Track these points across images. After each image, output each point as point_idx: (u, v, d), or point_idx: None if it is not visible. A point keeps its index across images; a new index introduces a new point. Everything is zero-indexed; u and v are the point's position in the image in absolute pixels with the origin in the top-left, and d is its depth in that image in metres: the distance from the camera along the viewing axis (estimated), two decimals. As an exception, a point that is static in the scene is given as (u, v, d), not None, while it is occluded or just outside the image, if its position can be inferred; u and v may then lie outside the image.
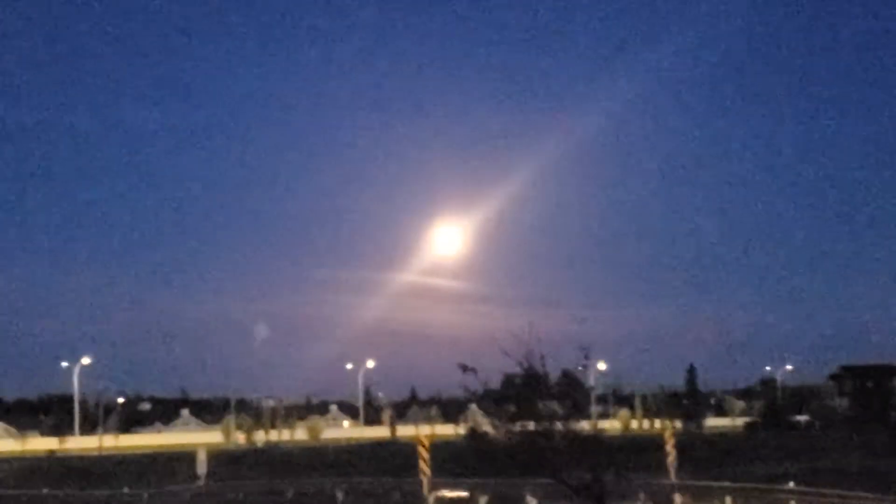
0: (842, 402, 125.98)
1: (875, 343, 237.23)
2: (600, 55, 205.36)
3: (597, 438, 25.18)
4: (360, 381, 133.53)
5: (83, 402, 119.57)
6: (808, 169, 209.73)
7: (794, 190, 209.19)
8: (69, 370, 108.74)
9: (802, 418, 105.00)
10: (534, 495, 30.57)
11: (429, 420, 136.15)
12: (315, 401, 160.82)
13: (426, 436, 36.60)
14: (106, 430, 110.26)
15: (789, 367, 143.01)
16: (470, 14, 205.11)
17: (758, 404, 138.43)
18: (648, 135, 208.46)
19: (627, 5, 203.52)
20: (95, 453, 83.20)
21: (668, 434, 36.09)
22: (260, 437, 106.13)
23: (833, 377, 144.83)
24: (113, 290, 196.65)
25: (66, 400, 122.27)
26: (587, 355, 24.30)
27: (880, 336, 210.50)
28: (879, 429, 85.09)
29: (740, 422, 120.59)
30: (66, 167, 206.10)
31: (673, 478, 35.31)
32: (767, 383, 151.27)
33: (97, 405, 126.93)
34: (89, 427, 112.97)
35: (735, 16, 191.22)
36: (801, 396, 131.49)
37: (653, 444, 43.42)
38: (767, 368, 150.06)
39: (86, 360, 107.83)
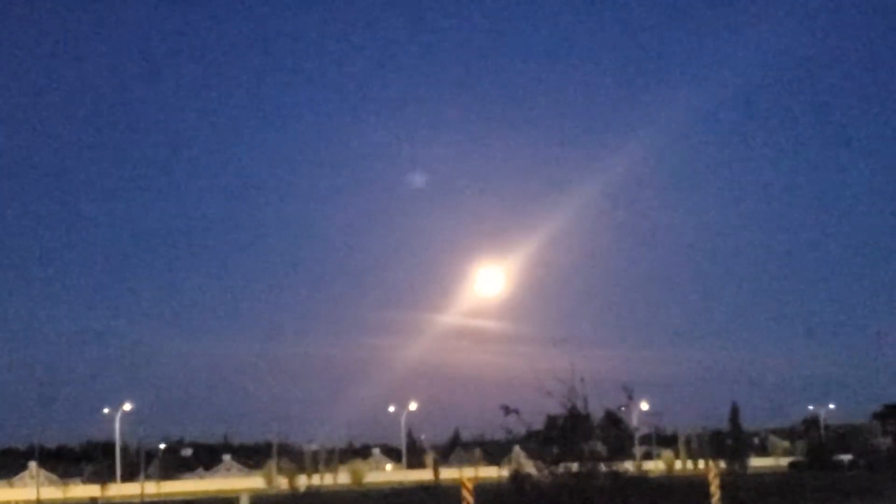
0: (885, 441, 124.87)
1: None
2: (639, 89, 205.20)
3: (641, 479, 25.20)
4: (403, 423, 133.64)
5: (125, 449, 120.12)
6: (851, 206, 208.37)
7: (838, 228, 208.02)
8: (111, 416, 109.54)
9: (846, 457, 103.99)
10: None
11: (472, 462, 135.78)
12: (357, 444, 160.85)
13: (469, 478, 36.51)
14: (147, 477, 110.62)
15: (832, 405, 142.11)
16: (514, 54, 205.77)
17: (801, 444, 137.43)
18: (690, 172, 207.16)
19: (662, 39, 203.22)
20: (137, 500, 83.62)
21: (712, 475, 35.88)
22: (302, 481, 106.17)
23: (877, 416, 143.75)
24: (154, 336, 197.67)
25: (108, 446, 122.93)
26: (630, 395, 24.40)
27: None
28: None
29: (784, 461, 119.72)
30: (110, 207, 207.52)
31: (718, 518, 35.11)
32: (811, 422, 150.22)
33: (139, 451, 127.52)
34: (131, 474, 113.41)
35: (772, 50, 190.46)
36: (845, 435, 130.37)
37: (697, 484, 43.21)
38: (810, 407, 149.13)
39: (127, 407, 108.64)
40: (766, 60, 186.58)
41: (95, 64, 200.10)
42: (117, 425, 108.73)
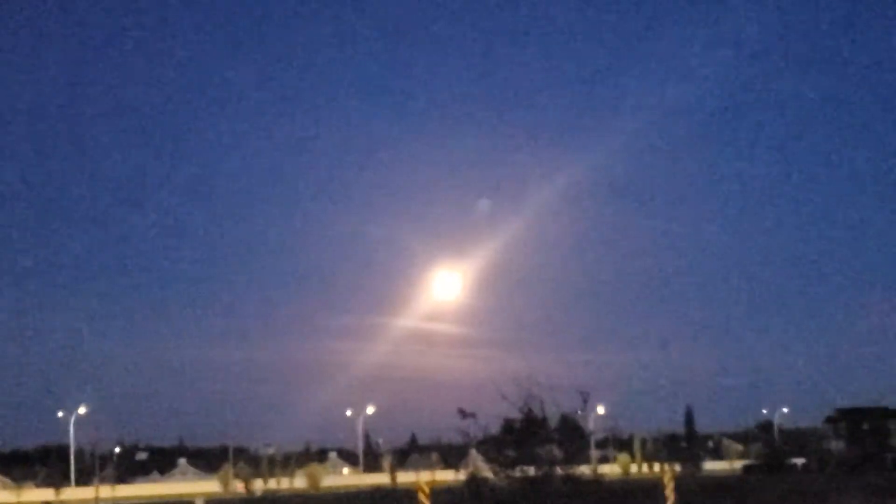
0: (838, 445, 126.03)
1: (871, 385, 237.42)
2: (597, 97, 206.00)
3: (596, 483, 25.44)
4: (360, 427, 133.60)
5: (79, 453, 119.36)
6: (803, 212, 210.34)
7: (791, 233, 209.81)
8: (65, 420, 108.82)
9: (799, 461, 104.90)
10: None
11: (429, 466, 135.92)
12: (314, 448, 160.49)
13: (426, 482, 36.68)
14: (102, 481, 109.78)
15: (786, 409, 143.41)
16: (470, 63, 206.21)
17: (755, 447, 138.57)
18: (646, 178, 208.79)
19: (618, 46, 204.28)
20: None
21: (667, 478, 36.22)
22: (259, 485, 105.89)
23: (829, 420, 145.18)
24: (108, 338, 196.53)
25: (62, 450, 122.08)
26: (586, 399, 24.64)
27: (876, 378, 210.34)
28: (875, 471, 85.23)
29: (738, 465, 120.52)
30: (57, 207, 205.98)
31: (672, 521, 35.42)
32: (764, 426, 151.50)
33: (93, 455, 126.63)
34: (85, 477, 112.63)
35: (732, 55, 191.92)
36: (798, 439, 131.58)
37: (652, 487, 43.57)
38: (764, 411, 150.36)
39: (82, 410, 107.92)
40: (716, 72, 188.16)
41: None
42: (72, 429, 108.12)
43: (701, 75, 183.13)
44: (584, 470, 25.27)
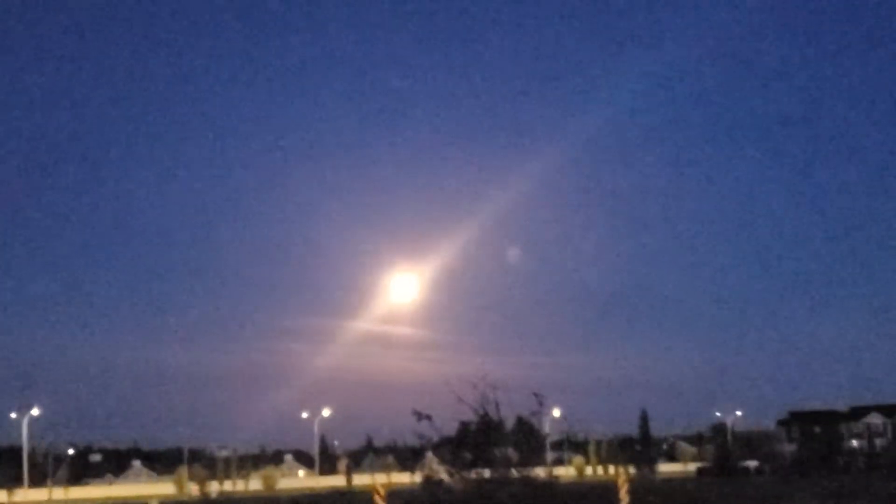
0: (790, 448, 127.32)
1: (824, 389, 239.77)
2: (553, 100, 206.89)
3: (551, 485, 25.63)
4: (316, 429, 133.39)
5: (32, 454, 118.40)
6: (756, 217, 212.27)
7: (745, 238, 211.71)
8: (18, 421, 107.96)
9: (752, 464, 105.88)
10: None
11: (385, 468, 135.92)
12: (270, 450, 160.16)
13: (382, 484, 36.77)
14: (56, 482, 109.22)
15: (739, 412, 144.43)
16: (421, 62, 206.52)
17: (708, 450, 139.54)
18: (598, 184, 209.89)
19: (579, 48, 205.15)
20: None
21: (621, 480, 36.52)
22: (214, 487, 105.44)
23: (782, 423, 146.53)
24: (62, 339, 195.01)
25: (15, 451, 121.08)
26: (541, 402, 24.82)
27: (829, 382, 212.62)
28: (827, 474, 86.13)
29: (692, 467, 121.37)
30: (13, 208, 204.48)
31: (626, 523, 35.71)
32: (718, 429, 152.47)
33: (47, 456, 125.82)
34: (39, 479, 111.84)
35: (700, 48, 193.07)
36: (751, 442, 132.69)
37: (606, 490, 43.87)
38: (718, 414, 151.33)
39: (35, 412, 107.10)
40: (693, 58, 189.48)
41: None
42: (25, 430, 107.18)
43: (651, 79, 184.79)
44: (539, 472, 25.42)
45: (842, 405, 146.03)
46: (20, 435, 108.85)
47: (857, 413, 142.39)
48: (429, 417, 24.15)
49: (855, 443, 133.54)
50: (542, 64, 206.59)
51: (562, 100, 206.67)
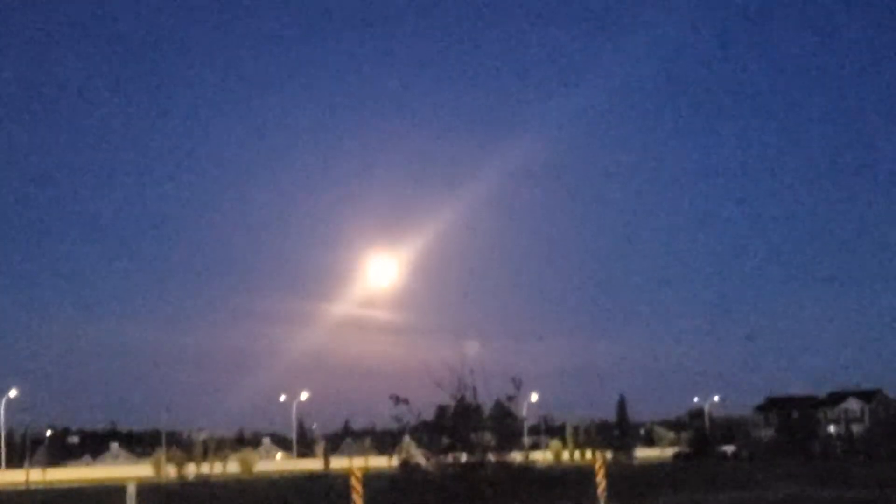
0: (768, 433, 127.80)
1: (801, 375, 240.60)
2: (531, 86, 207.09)
3: (528, 469, 25.55)
4: (294, 413, 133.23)
5: (10, 436, 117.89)
6: (734, 205, 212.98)
7: (719, 222, 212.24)
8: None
9: (730, 448, 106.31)
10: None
11: (362, 452, 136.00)
12: (247, 433, 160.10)
13: (359, 468, 36.68)
14: (33, 464, 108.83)
15: (717, 397, 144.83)
16: (405, 44, 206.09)
17: (686, 435, 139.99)
18: (578, 169, 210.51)
19: (559, 36, 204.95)
20: (22, 487, 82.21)
21: (598, 465, 36.49)
22: (191, 470, 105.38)
23: (759, 408, 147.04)
24: (40, 321, 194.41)
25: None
26: (518, 386, 24.71)
27: (806, 369, 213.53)
28: (804, 459, 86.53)
29: (670, 452, 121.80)
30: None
31: (603, 508, 35.69)
32: (696, 414, 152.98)
33: (24, 438, 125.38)
34: (16, 461, 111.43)
35: (673, 41, 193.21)
36: (729, 427, 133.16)
37: (583, 474, 43.87)
38: (696, 399, 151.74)
39: (12, 393, 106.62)
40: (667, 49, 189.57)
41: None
42: (2, 412, 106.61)
43: (624, 70, 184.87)
44: (516, 456, 25.33)
45: (820, 391, 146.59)
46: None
47: (835, 399, 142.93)
48: (406, 401, 24.01)
49: (832, 428, 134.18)
50: (523, 47, 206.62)
51: (541, 84, 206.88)
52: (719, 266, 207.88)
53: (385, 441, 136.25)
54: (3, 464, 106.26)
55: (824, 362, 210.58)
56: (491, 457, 23.74)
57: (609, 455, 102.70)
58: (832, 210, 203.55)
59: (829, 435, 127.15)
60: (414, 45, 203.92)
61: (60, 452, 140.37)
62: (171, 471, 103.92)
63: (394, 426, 26.92)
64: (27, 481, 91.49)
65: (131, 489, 42.70)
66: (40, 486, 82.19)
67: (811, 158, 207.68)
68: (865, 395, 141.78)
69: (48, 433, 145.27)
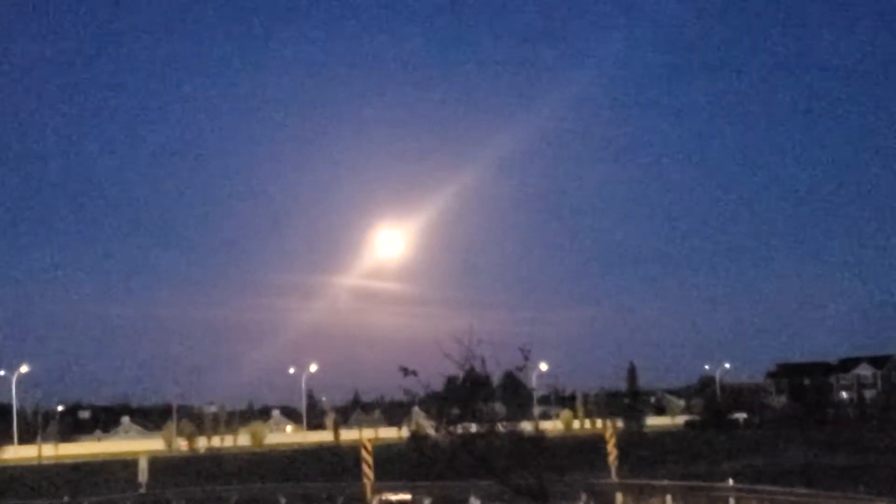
0: (779, 400, 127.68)
1: (813, 341, 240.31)
2: (537, 61, 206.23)
3: (539, 439, 25.33)
4: (303, 385, 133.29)
5: (21, 412, 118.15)
6: (742, 169, 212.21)
7: (730, 191, 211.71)
8: (7, 379, 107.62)
9: (741, 416, 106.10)
10: (477, 497, 30.65)
11: (372, 423, 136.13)
12: (257, 406, 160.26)
13: (369, 439, 36.58)
14: (45, 439, 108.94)
15: (728, 365, 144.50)
16: (413, 23, 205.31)
17: (697, 403, 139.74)
18: (585, 139, 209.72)
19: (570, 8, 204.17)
20: (35, 463, 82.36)
21: (609, 434, 36.31)
22: (202, 443, 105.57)
23: (770, 375, 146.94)
24: (52, 297, 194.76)
25: (4, 409, 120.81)
26: (527, 356, 24.44)
27: (818, 333, 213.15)
28: (816, 425, 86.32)
29: (680, 420, 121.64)
30: (8, 170, 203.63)
31: (614, 477, 35.54)
32: (706, 382, 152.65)
33: (36, 414, 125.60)
34: (28, 436, 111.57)
35: (670, 20, 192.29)
36: (740, 394, 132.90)
37: (594, 443, 43.68)
38: (706, 367, 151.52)
39: (24, 369, 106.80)
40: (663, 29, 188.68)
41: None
42: (13, 388, 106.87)
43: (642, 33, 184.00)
44: (526, 426, 25.10)
45: (831, 357, 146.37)
46: (9, 392, 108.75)
47: (847, 365, 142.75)
48: (414, 373, 23.70)
49: (844, 394, 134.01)
50: (528, 21, 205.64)
51: (550, 58, 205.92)
52: (729, 232, 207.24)
53: (395, 412, 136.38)
54: (16, 439, 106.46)
55: (835, 328, 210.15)
56: (501, 427, 23.52)
57: (620, 424, 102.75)
58: (845, 174, 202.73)
59: (842, 401, 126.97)
60: (425, 17, 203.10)
61: (72, 427, 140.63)
62: (182, 444, 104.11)
63: (403, 398, 26.70)
64: (39, 456, 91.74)
65: (143, 463, 42.75)
66: (53, 462, 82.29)
67: (826, 121, 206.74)
68: (877, 361, 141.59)
69: (60, 408, 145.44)
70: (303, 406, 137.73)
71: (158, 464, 52.67)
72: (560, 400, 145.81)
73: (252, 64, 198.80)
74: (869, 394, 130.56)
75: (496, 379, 25.64)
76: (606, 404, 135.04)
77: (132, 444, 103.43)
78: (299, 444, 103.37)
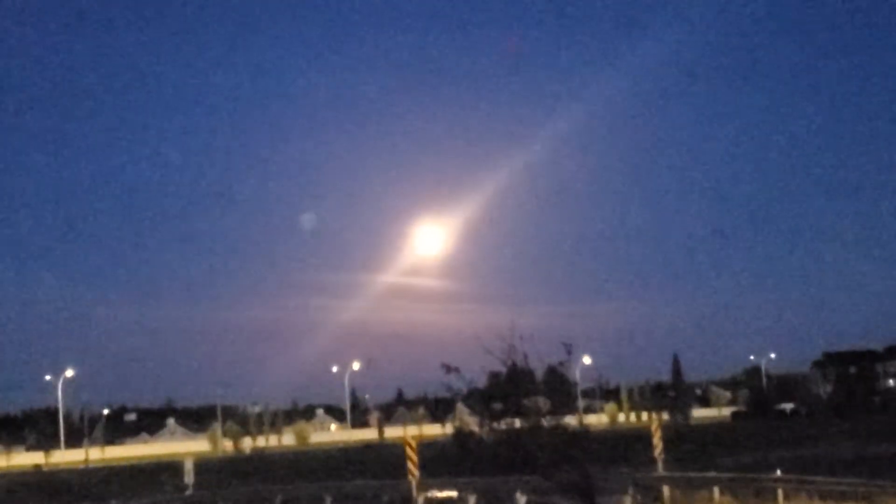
0: (826, 389, 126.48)
1: (859, 329, 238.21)
2: (577, 57, 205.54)
3: (583, 433, 25.15)
4: (347, 383, 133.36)
5: (68, 416, 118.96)
6: (787, 160, 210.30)
7: (773, 182, 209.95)
8: (53, 383, 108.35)
9: (788, 406, 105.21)
10: (523, 492, 30.45)
11: (416, 421, 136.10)
12: (301, 405, 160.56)
13: (413, 436, 36.53)
14: (92, 443, 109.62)
15: (773, 355, 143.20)
16: (450, 20, 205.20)
17: (743, 394, 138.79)
18: (628, 132, 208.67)
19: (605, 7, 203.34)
20: (82, 466, 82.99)
21: (654, 426, 35.99)
22: (247, 443, 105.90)
23: (817, 364, 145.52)
24: (96, 302, 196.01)
25: (51, 413, 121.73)
26: (570, 350, 24.27)
27: (863, 322, 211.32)
28: (864, 415, 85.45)
29: (726, 412, 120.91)
30: (44, 180, 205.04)
31: (661, 470, 35.23)
32: (752, 372, 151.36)
33: (82, 418, 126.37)
34: (75, 440, 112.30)
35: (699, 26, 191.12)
36: (786, 384, 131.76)
37: (640, 436, 43.40)
38: (751, 357, 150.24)
39: (70, 373, 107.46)
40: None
41: None
42: (60, 392, 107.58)
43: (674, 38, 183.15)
44: (570, 421, 24.94)
45: (878, 345, 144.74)
46: (55, 396, 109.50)
47: (893, 352, 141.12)
48: (457, 370, 23.65)
49: (892, 382, 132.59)
50: (568, 20, 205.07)
51: (586, 57, 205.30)
52: (773, 221, 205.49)
53: (439, 409, 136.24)
54: (63, 443, 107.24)
55: (881, 316, 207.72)
56: (544, 422, 23.36)
57: (665, 416, 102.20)
58: (889, 163, 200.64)
59: (889, 389, 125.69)
60: (462, 15, 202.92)
61: (118, 430, 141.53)
62: (227, 445, 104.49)
63: (446, 394, 26.61)
64: (86, 459, 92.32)
65: (189, 464, 42.86)
66: (100, 464, 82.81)
67: (869, 110, 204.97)
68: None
69: (106, 411, 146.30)
70: (346, 404, 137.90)
71: (204, 465, 52.85)
72: (605, 393, 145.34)
73: (291, 63, 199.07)
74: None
75: (539, 374, 25.50)
76: (651, 397, 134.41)
77: (178, 446, 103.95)
78: (344, 442, 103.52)
